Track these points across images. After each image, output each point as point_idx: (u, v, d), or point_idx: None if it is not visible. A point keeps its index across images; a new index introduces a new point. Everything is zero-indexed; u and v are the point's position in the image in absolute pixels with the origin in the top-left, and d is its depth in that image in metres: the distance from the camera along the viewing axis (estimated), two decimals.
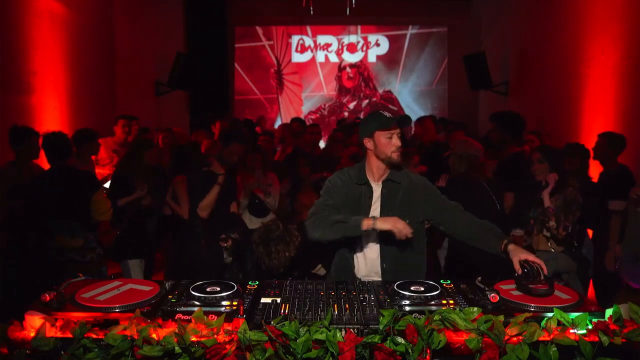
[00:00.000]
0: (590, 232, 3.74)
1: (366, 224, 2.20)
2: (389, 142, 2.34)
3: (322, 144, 6.67)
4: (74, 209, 3.42)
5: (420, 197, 2.45)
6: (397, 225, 2.16)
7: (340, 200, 2.41)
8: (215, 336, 1.54)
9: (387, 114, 2.35)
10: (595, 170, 4.06)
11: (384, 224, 2.18)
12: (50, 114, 4.93)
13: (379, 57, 10.36)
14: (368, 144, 2.41)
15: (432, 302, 1.82)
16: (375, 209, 2.42)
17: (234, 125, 3.89)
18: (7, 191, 3.44)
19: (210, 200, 3.52)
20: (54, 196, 3.34)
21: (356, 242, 2.44)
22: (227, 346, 1.52)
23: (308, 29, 10.30)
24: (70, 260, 3.37)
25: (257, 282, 2.03)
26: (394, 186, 2.43)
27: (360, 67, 10.41)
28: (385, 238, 2.36)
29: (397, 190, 2.43)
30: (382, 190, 2.43)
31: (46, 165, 3.70)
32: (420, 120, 6.22)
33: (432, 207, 2.45)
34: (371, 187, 2.44)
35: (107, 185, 4.24)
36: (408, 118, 2.40)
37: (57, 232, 3.35)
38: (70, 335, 1.57)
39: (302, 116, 10.11)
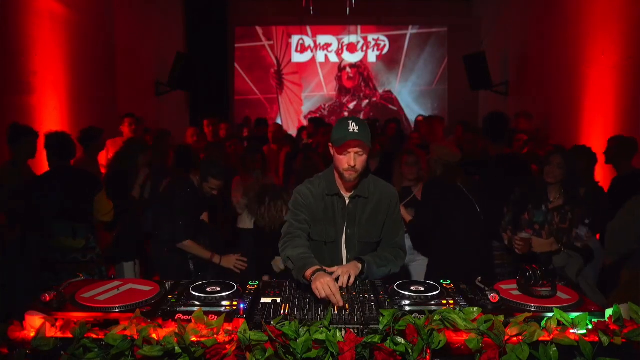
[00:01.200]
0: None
1: (307, 274, 1.93)
2: (343, 159, 2.12)
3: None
4: (77, 210, 3.41)
5: (383, 216, 2.28)
6: (325, 290, 1.80)
7: (311, 213, 2.23)
8: (215, 336, 1.55)
9: (352, 127, 2.07)
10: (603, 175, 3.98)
11: (314, 282, 1.86)
12: (50, 113, 4.93)
13: (379, 57, 10.36)
14: (331, 150, 2.20)
15: (432, 302, 1.82)
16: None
17: (209, 156, 3.77)
18: (8, 191, 3.43)
19: (194, 252, 3.36)
20: (57, 197, 3.33)
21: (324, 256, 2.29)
22: (227, 346, 1.52)
23: (308, 29, 10.30)
24: (72, 261, 3.37)
25: (257, 282, 2.03)
26: (362, 201, 2.24)
27: (360, 67, 10.41)
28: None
29: (364, 206, 2.24)
30: (348, 205, 2.24)
31: (43, 166, 3.69)
32: (427, 120, 6.16)
33: (384, 229, 2.30)
34: (343, 198, 2.25)
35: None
36: (362, 135, 2.07)
37: (60, 233, 3.34)
38: (70, 335, 1.57)
39: (302, 116, 10.14)
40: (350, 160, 2.09)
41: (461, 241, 3.22)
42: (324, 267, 2.05)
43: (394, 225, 2.32)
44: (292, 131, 8.91)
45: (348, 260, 2.27)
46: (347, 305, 1.79)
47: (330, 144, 2.20)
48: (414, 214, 3.48)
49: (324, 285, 1.80)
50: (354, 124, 2.08)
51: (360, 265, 2.13)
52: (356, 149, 2.09)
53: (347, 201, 2.25)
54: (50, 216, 3.33)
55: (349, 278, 2.02)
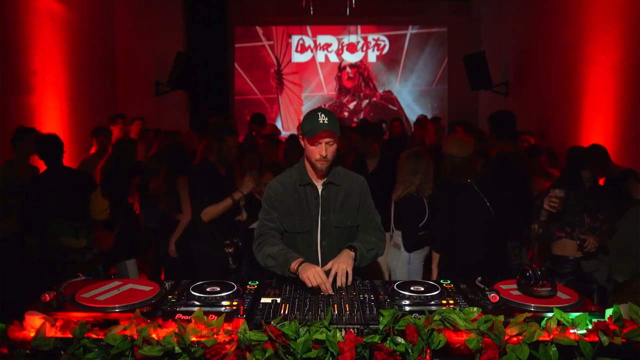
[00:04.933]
0: None
1: (293, 266, 2.01)
2: (315, 149, 2.17)
3: None
4: (75, 210, 3.43)
5: (357, 201, 2.36)
6: (315, 279, 1.92)
7: (284, 206, 2.27)
8: (215, 336, 1.54)
9: (322, 118, 2.12)
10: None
11: (303, 272, 1.95)
12: (50, 114, 4.93)
13: (379, 57, 10.35)
14: (302, 142, 2.27)
15: (432, 302, 1.82)
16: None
17: (221, 120, 3.91)
18: (5, 191, 3.45)
19: (220, 210, 3.48)
20: (51, 197, 3.36)
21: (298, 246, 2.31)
22: (227, 346, 1.52)
23: (308, 29, 10.30)
24: (71, 261, 3.38)
25: (257, 282, 2.03)
26: (334, 188, 2.31)
27: (360, 67, 10.40)
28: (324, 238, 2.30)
29: (337, 192, 2.31)
30: (322, 192, 2.29)
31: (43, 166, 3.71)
32: (418, 122, 6.24)
33: (360, 213, 2.37)
34: (316, 187, 2.30)
35: None
36: (331, 125, 2.12)
37: (61, 233, 3.35)
38: (70, 335, 1.57)
39: (302, 116, 10.14)
40: (322, 151, 2.16)
41: (475, 239, 3.18)
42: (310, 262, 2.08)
43: (369, 209, 2.40)
44: (293, 131, 8.90)
45: (323, 248, 2.29)
46: (347, 305, 1.79)
47: (301, 136, 2.26)
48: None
49: (315, 275, 1.92)
50: (323, 115, 2.15)
51: (353, 253, 2.15)
52: (327, 139, 2.16)
53: (320, 189, 2.30)
54: (46, 216, 3.34)
55: (347, 276, 2.03)
